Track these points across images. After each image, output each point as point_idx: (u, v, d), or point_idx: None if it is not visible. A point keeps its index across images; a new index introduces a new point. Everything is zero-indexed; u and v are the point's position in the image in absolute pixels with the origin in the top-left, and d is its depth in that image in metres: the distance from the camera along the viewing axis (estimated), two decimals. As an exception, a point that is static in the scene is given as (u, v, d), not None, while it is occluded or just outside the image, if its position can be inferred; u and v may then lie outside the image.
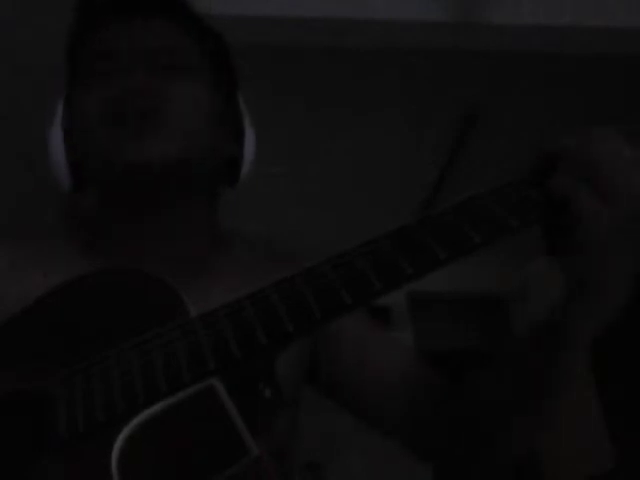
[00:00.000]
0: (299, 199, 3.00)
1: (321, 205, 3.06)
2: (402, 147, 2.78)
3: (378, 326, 0.81)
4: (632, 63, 2.16)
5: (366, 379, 0.77)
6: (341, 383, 0.78)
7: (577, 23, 1.90)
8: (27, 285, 0.66)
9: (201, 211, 0.79)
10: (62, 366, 0.54)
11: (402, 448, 0.77)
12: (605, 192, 0.51)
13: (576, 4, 1.90)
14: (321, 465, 2.97)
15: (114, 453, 0.45)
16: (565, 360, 0.61)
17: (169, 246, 0.76)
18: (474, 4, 1.86)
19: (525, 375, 0.64)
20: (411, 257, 0.52)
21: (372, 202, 2.99)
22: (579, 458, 2.53)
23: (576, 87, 2.40)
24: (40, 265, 0.72)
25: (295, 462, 0.78)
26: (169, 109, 0.72)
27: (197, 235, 0.78)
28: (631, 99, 2.28)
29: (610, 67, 2.26)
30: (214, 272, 0.76)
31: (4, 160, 1.14)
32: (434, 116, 2.60)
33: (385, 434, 0.78)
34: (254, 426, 0.47)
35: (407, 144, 2.77)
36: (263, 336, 0.51)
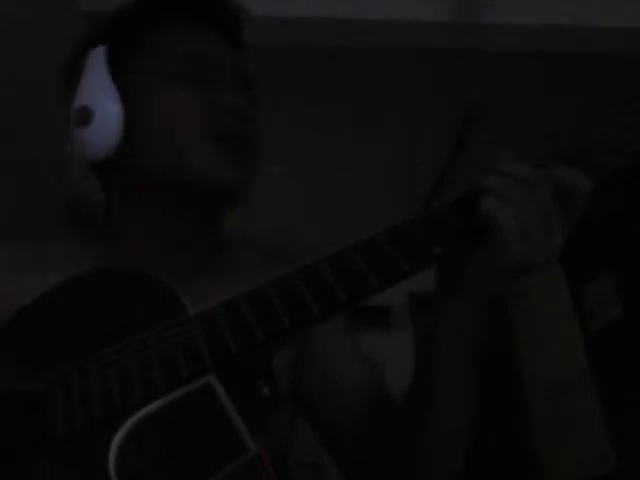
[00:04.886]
0: (299, 199, 3.00)
1: (321, 205, 3.06)
2: (402, 147, 2.78)
3: (351, 341, 0.80)
4: (632, 63, 2.16)
5: (329, 399, 0.76)
6: (307, 398, 0.77)
7: (577, 23, 1.91)
8: (27, 286, 0.66)
9: (210, 219, 0.79)
10: (61, 365, 0.54)
11: None
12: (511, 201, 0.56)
13: (576, 4, 1.90)
14: (321, 465, 2.97)
15: (111, 451, 0.46)
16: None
17: (171, 247, 0.76)
18: (474, 4, 1.86)
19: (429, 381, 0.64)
20: (409, 255, 0.53)
21: (372, 202, 2.99)
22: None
23: (576, 87, 2.40)
24: (40, 265, 0.72)
25: (294, 460, 0.78)
26: (254, 139, 0.75)
27: (200, 238, 0.78)
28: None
29: (610, 67, 2.26)
30: (215, 273, 0.76)
31: (4, 160, 1.14)
32: (434, 116, 2.60)
33: (346, 462, 0.76)
34: (252, 424, 0.47)
35: (407, 144, 2.77)
36: (260, 332, 0.51)
